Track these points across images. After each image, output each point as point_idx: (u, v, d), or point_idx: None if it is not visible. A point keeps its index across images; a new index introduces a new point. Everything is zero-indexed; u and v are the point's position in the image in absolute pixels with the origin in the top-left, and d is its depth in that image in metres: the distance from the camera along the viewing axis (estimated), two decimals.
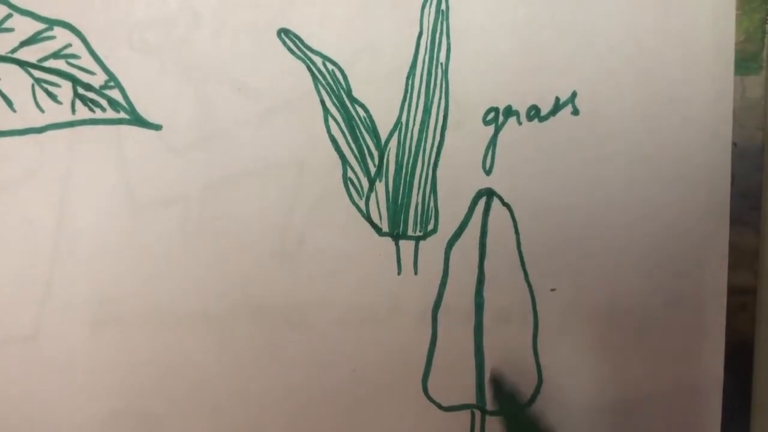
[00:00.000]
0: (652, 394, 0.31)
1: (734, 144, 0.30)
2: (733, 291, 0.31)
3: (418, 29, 0.30)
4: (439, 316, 0.31)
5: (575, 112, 0.30)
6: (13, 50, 0.29)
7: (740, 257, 0.30)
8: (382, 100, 0.30)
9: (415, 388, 0.31)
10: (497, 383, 0.30)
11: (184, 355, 0.31)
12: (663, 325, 0.31)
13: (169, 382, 0.31)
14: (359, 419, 0.31)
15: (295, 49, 0.30)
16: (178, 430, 0.31)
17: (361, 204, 0.31)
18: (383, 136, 0.30)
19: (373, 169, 0.30)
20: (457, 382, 0.31)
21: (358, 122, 0.30)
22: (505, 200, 0.30)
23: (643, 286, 0.31)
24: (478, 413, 0.31)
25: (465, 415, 0.31)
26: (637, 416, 0.31)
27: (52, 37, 0.30)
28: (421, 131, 0.30)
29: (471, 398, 0.31)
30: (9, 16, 0.29)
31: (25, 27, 0.29)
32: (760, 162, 0.30)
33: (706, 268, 0.30)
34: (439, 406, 0.31)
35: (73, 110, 0.30)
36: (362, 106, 0.30)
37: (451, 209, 0.31)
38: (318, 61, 0.30)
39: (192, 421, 0.31)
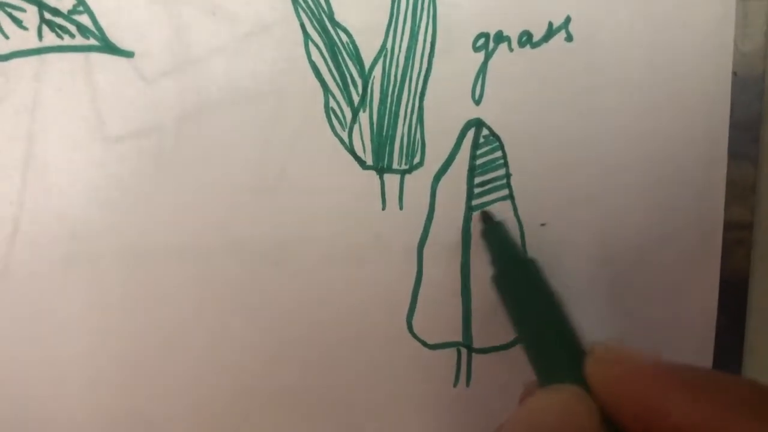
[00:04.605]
0: (644, 330, 0.31)
1: (734, 73, 0.29)
2: (728, 226, 0.30)
3: None
4: (425, 252, 0.30)
5: (569, 38, 0.29)
6: None
7: (737, 191, 0.30)
8: (366, 24, 0.29)
9: (400, 326, 0.31)
10: (486, 216, 0.30)
11: (160, 293, 0.30)
12: (657, 260, 0.30)
13: (144, 322, 0.30)
14: (342, 357, 0.31)
15: None
16: (156, 370, 0.30)
17: (344, 135, 0.30)
18: (367, 64, 0.29)
19: (356, 99, 0.29)
20: (443, 319, 0.31)
21: (341, 48, 0.29)
22: (495, 131, 0.30)
23: (636, 221, 0.30)
24: (464, 351, 0.31)
25: (451, 352, 0.31)
26: None
27: None
28: (407, 58, 0.29)
29: (457, 336, 0.31)
30: None
31: None
32: (760, 92, 0.29)
33: (703, 202, 0.30)
34: (425, 344, 0.31)
35: (40, 37, 0.28)
36: (345, 30, 0.29)
37: (438, 141, 0.30)
38: None
39: (170, 361, 0.30)
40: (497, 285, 0.28)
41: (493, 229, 0.29)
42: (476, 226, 0.30)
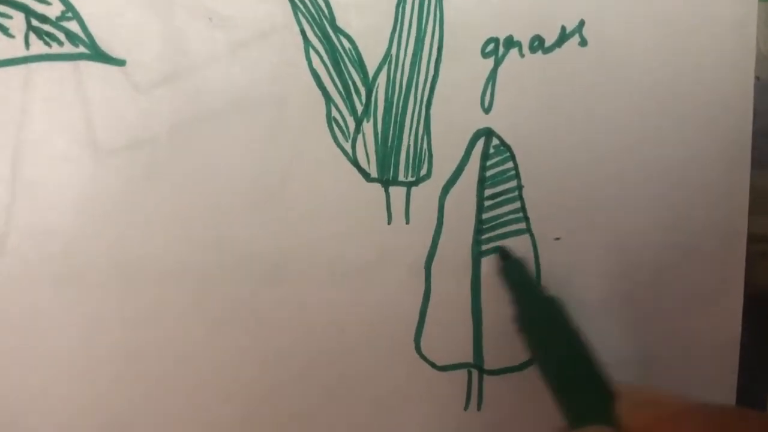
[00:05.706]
0: (664, 348, 0.31)
1: (757, 78, 0.29)
2: (752, 238, 0.29)
3: None
4: (433, 269, 0.30)
5: (583, 42, 0.29)
6: None
7: (761, 201, 0.29)
8: (369, 29, 0.28)
9: (408, 346, 0.30)
10: (505, 253, 0.29)
11: (156, 313, 0.29)
12: (677, 275, 0.30)
13: (139, 343, 0.29)
14: (347, 380, 0.30)
15: None
16: (152, 393, 0.30)
17: (347, 146, 0.29)
18: (371, 71, 0.29)
19: (359, 108, 0.29)
20: (452, 339, 0.30)
21: (343, 55, 0.28)
22: (506, 141, 0.29)
23: (655, 234, 0.29)
24: (475, 372, 0.30)
25: (461, 374, 0.30)
26: (647, 372, 0.30)
27: None
28: (412, 65, 0.28)
29: (468, 357, 0.30)
30: None
31: None
32: None
33: (725, 213, 0.29)
34: (433, 365, 0.30)
35: (27, 45, 0.28)
36: (347, 36, 0.28)
37: (446, 152, 0.29)
38: None
39: (166, 384, 0.30)
40: (520, 325, 0.28)
41: (512, 267, 0.29)
42: (495, 264, 0.29)
